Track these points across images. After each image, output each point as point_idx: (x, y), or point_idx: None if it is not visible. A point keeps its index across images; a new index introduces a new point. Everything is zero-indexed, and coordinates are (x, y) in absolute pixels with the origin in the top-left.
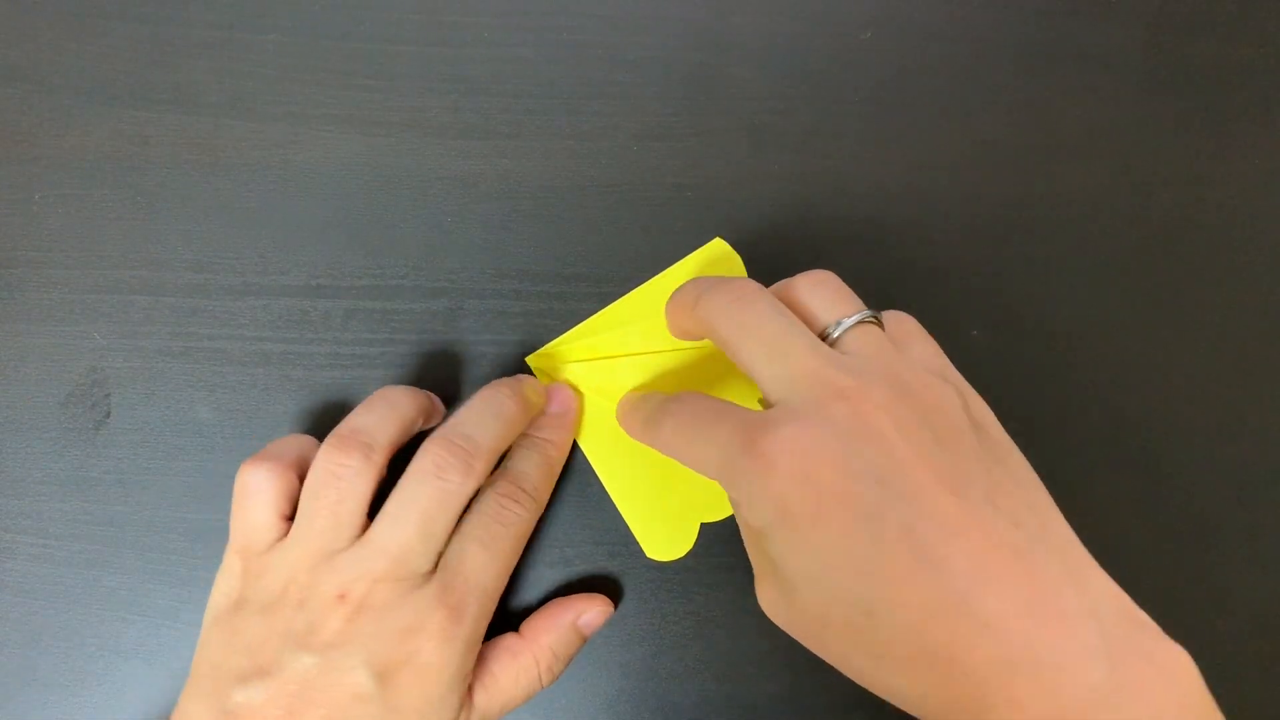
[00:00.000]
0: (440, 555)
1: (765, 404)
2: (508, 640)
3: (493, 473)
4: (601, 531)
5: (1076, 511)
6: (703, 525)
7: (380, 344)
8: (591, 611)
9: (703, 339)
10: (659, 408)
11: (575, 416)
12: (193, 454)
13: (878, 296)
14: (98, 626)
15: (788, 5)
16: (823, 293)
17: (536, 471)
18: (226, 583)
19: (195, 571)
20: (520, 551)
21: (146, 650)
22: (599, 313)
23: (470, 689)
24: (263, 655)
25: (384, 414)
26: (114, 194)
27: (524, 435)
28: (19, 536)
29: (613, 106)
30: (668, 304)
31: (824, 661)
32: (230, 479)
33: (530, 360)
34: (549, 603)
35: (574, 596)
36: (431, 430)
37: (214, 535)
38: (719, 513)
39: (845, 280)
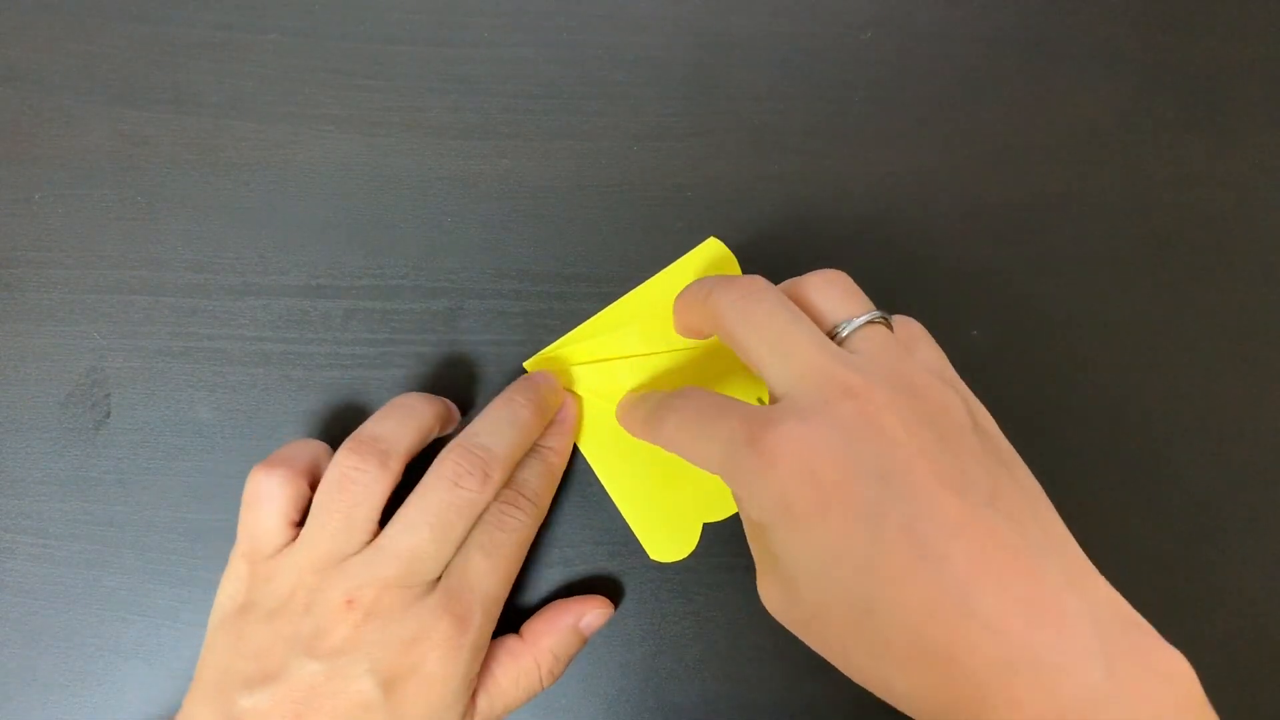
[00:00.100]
0: (446, 565)
1: (770, 401)
2: (508, 642)
3: None
4: (602, 532)
5: (1076, 511)
6: (703, 525)
7: (380, 344)
8: (592, 613)
9: (709, 336)
10: (661, 404)
11: (575, 423)
12: (193, 454)
13: (878, 296)
14: (98, 626)
15: (788, 5)
16: (832, 291)
17: (538, 479)
18: (232, 586)
19: (195, 571)
20: (523, 558)
21: (146, 650)
22: (594, 316)
23: (473, 693)
24: (269, 660)
25: (402, 421)
26: (114, 194)
27: None
28: (19, 536)
29: (613, 106)
30: (676, 301)
31: (824, 662)
32: (231, 479)
33: (528, 366)
34: (549, 605)
35: (574, 598)
36: (448, 438)
37: (214, 535)
38: (721, 512)
39: None
